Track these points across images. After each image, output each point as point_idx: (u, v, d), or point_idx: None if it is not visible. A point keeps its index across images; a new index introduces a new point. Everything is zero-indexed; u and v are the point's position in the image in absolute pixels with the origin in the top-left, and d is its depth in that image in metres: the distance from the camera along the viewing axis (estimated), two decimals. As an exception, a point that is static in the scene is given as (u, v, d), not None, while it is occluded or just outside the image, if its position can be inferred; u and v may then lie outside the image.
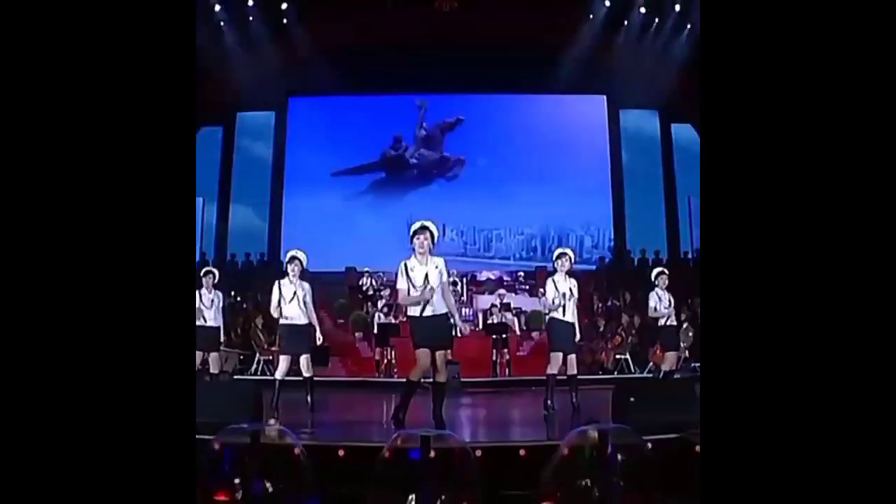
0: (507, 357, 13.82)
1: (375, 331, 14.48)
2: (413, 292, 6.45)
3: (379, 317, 14.75)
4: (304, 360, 8.32)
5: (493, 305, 15.34)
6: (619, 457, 4.38)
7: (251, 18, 18.11)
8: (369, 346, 15.32)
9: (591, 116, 20.91)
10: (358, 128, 20.90)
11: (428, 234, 6.51)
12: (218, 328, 9.87)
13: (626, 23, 18.46)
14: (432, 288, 6.43)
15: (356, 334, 16.11)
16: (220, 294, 9.92)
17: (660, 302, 9.57)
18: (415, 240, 6.50)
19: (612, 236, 20.34)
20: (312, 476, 4.45)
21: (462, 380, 12.18)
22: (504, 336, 14.02)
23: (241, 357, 14.32)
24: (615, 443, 4.44)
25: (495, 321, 14.36)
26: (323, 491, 4.54)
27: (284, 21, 18.40)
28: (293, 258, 8.52)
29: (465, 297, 17.32)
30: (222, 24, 17.93)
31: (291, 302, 8.24)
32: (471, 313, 16.80)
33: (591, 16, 18.50)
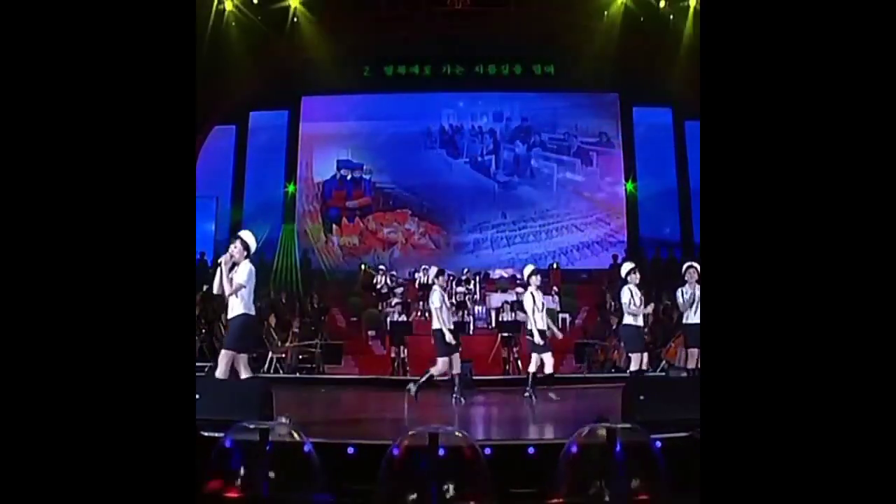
0: (517, 355, 13.80)
1: (389, 329, 14.48)
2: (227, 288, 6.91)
3: (392, 315, 14.75)
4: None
5: (504, 303, 15.31)
6: (628, 455, 4.38)
7: (261, 18, 18.11)
8: (382, 344, 15.34)
9: (604, 114, 20.84)
10: (371, 127, 20.92)
11: (238, 242, 7.06)
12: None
13: (641, 19, 18.34)
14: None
15: (369, 332, 16.13)
16: None
17: (632, 298, 9.42)
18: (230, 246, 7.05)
19: (626, 235, 20.25)
20: (322, 473, 4.46)
21: (474, 377, 12.19)
22: (516, 334, 13.98)
23: (254, 355, 14.31)
24: (624, 441, 4.44)
25: (505, 319, 14.32)
26: (332, 488, 4.56)
27: (296, 20, 18.41)
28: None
29: (477, 296, 17.29)
30: (233, 23, 17.94)
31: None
32: (483, 311, 16.76)
33: (605, 12, 18.42)
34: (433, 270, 9.79)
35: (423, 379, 9.28)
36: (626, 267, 9.57)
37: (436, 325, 9.38)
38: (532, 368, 9.45)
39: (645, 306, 9.45)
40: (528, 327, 9.59)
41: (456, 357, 9.31)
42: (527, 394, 9.47)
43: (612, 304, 16.66)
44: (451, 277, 9.70)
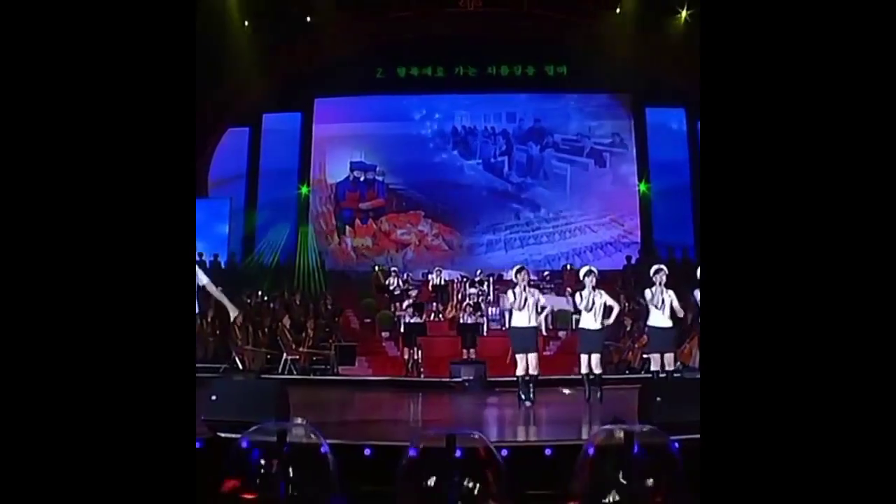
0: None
1: (402, 330, 14.49)
2: None
3: (405, 316, 14.76)
4: None
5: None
6: (646, 457, 4.36)
7: (275, 19, 18.17)
8: (395, 346, 15.36)
9: (617, 114, 20.79)
10: (383, 128, 20.95)
11: None
12: None
13: (653, 19, 18.29)
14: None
15: (382, 333, 16.15)
16: None
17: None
18: None
19: (640, 235, 20.19)
20: (338, 475, 4.46)
21: (489, 379, 12.19)
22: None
23: (269, 357, 14.39)
24: (642, 442, 4.42)
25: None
26: (348, 489, 4.56)
27: (309, 21, 18.47)
28: None
29: (490, 297, 17.27)
30: (246, 23, 18.01)
31: None
32: (497, 313, 16.72)
33: (617, 13, 18.41)
34: (514, 268, 9.62)
35: (521, 385, 9.20)
36: (654, 267, 9.56)
37: (513, 322, 9.36)
38: (584, 370, 9.19)
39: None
40: (581, 326, 9.40)
41: (532, 356, 9.14)
42: (588, 396, 9.16)
43: (626, 305, 16.61)
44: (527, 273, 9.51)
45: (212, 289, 7.62)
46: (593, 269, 9.55)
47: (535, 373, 9.10)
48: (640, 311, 16.07)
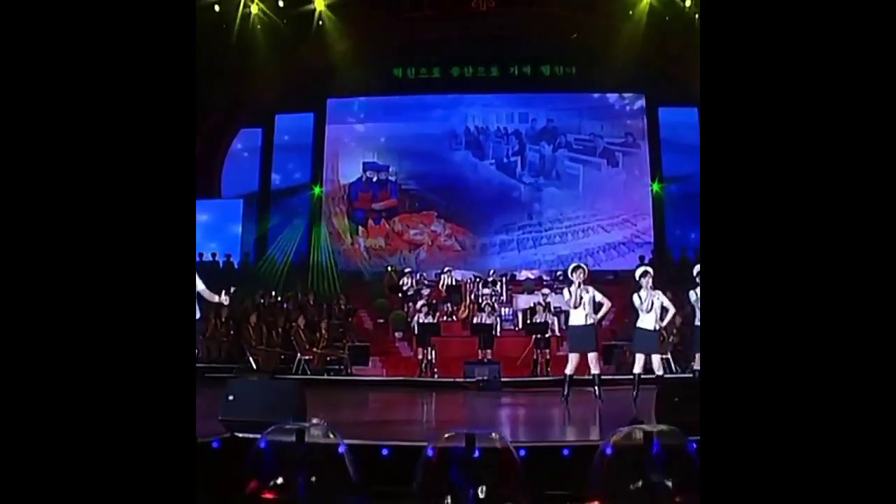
0: (548, 356, 13.76)
1: (416, 331, 14.50)
2: None
3: (418, 317, 14.76)
4: None
5: (536, 304, 15.27)
6: (665, 457, 4.34)
7: (287, 21, 18.22)
8: (409, 346, 15.36)
9: (630, 114, 20.75)
10: (396, 128, 20.97)
11: None
12: None
13: (666, 18, 18.24)
14: None
15: (395, 334, 16.17)
16: None
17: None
18: None
19: (653, 235, 20.13)
20: (356, 475, 4.47)
21: (503, 379, 12.19)
22: (546, 336, 13.95)
23: (282, 357, 14.42)
24: (660, 443, 4.40)
25: (539, 321, 14.28)
26: (366, 489, 4.56)
27: (321, 23, 18.51)
28: None
29: (504, 297, 17.27)
30: (259, 27, 18.06)
31: None
32: (510, 313, 16.72)
33: (630, 13, 18.36)
34: (570, 266, 9.49)
35: (566, 384, 9.15)
36: (697, 268, 9.49)
37: (570, 321, 9.27)
38: (637, 370, 9.07)
39: None
40: (639, 326, 9.26)
41: (592, 356, 9.02)
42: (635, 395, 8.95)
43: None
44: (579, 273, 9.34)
45: (206, 294, 7.93)
46: (649, 269, 9.46)
47: (597, 372, 9.01)
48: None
